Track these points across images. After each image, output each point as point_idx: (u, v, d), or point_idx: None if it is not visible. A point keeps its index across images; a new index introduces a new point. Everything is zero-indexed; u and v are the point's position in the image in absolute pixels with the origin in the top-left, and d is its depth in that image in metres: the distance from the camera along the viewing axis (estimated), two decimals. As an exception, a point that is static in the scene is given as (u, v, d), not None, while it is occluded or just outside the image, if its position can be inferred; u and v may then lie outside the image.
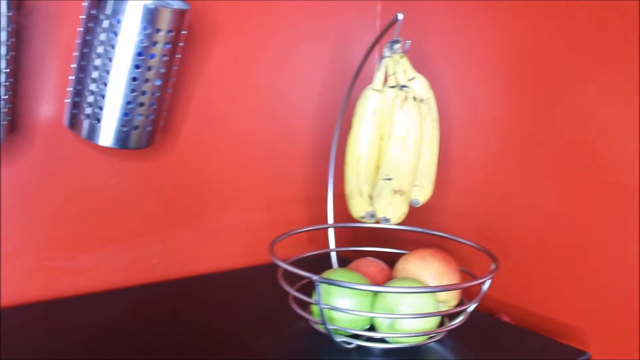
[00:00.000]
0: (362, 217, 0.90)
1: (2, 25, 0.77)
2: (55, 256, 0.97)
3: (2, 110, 0.81)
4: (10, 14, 0.77)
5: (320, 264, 0.84)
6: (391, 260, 0.95)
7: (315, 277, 0.76)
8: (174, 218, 1.07)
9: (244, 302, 1.00)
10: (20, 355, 0.79)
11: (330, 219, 1.02)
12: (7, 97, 0.81)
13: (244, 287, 1.07)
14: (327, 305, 0.78)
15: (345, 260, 1.02)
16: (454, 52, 1.08)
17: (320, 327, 0.84)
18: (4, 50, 0.78)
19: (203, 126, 1.07)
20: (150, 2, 0.84)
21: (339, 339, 0.81)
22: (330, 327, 0.80)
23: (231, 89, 1.10)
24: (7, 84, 0.80)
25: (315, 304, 0.80)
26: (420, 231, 0.98)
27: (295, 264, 0.81)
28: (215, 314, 0.95)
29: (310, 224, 1.07)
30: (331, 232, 1.02)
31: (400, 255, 0.93)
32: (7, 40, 0.78)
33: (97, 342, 0.84)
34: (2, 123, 0.82)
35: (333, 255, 1.03)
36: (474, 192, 1.06)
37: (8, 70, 0.80)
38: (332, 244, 1.02)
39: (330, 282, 0.77)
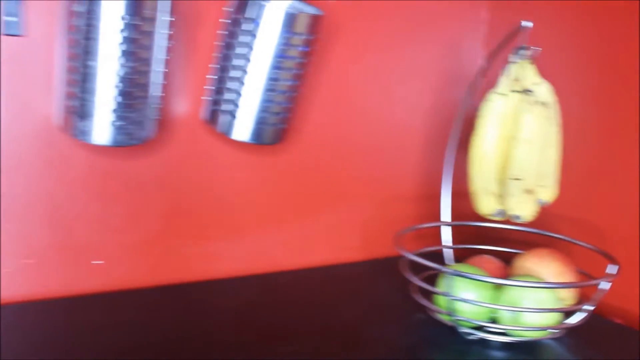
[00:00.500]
0: (491, 215, 0.97)
1: (163, 31, 0.88)
2: (188, 243, 1.08)
3: (157, 107, 0.92)
4: (173, 19, 0.88)
5: (432, 260, 0.92)
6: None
7: (447, 269, 0.83)
8: (293, 211, 1.16)
9: (362, 293, 1.08)
10: (162, 329, 0.90)
11: (447, 217, 1.09)
12: (162, 95, 0.92)
13: (360, 279, 1.16)
14: (455, 296, 0.86)
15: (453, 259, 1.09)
16: (563, 56, 1.13)
17: (444, 318, 0.91)
18: (164, 54, 0.89)
19: (322, 125, 1.15)
20: (290, 7, 0.93)
21: (463, 330, 0.88)
22: (457, 318, 0.87)
23: (348, 90, 1.18)
24: (164, 83, 0.91)
25: (443, 295, 0.87)
26: (537, 232, 1.04)
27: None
28: (335, 304, 1.04)
29: (420, 221, 1.14)
30: (448, 230, 1.09)
31: (512, 254, 1.01)
32: (167, 44, 0.89)
33: (225, 324, 0.94)
34: (155, 119, 0.93)
35: (447, 252, 1.10)
36: (583, 195, 1.10)
37: (167, 70, 0.90)
38: (448, 240, 1.09)
39: (463, 275, 0.84)
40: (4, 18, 0.89)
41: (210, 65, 1.00)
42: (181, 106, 1.02)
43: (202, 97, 1.02)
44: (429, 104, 1.27)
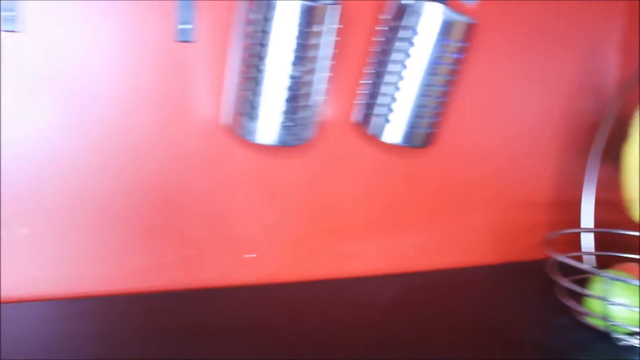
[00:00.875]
0: (649, 223, 1.00)
1: (330, 38, 0.94)
2: (332, 240, 1.15)
3: (319, 109, 0.99)
4: (341, 26, 0.94)
5: (566, 267, 0.95)
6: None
7: (606, 273, 0.87)
8: (429, 213, 1.22)
9: (502, 296, 1.12)
10: (310, 323, 0.97)
11: (588, 223, 1.12)
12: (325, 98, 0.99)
13: (496, 281, 1.20)
14: (612, 301, 0.89)
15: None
16: None
17: (595, 322, 0.94)
18: (329, 59, 0.96)
19: (458, 129, 1.20)
20: (446, 16, 0.98)
21: (615, 335, 0.91)
22: (611, 323, 0.90)
23: (482, 94, 1.22)
24: (327, 87, 0.98)
25: (599, 299, 0.90)
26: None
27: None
28: (477, 305, 1.08)
29: (553, 227, 1.16)
30: (590, 236, 1.12)
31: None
32: (333, 50, 0.96)
33: (372, 321, 0.99)
34: (317, 121, 1.00)
35: (588, 258, 1.12)
36: None
37: (330, 74, 0.97)
38: (589, 247, 1.12)
39: (624, 280, 0.87)
40: (179, 26, 0.98)
41: (363, 70, 1.06)
42: (333, 108, 1.08)
43: (354, 101, 1.08)
44: (561, 110, 1.30)
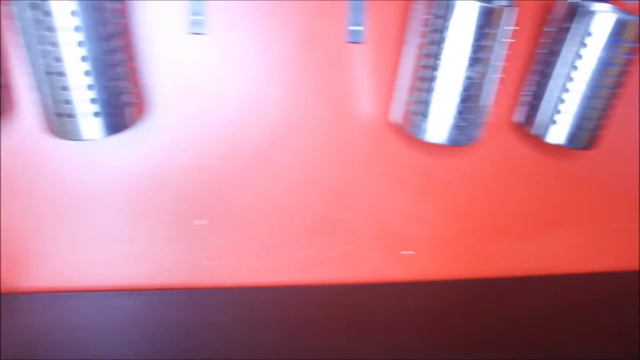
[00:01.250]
0: None
1: (504, 40, 0.96)
2: (488, 241, 1.16)
3: (488, 110, 1.01)
4: (517, 28, 0.96)
5: None
6: None
7: None
8: (587, 216, 1.21)
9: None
10: (475, 319, 1.00)
11: None
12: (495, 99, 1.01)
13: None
14: None
15: None
16: None
17: None
18: (501, 61, 0.98)
19: (619, 131, 1.18)
20: (620, 15, 0.98)
21: None
22: None
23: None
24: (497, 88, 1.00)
25: None
26: None
27: None
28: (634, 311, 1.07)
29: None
30: None
31: None
32: (506, 51, 0.98)
33: (537, 321, 1.01)
34: (485, 121, 1.02)
35: None
36: None
37: (503, 76, 0.99)
38: None
39: None
40: (350, 28, 1.02)
41: (527, 71, 1.07)
42: (496, 108, 1.10)
43: (516, 101, 1.09)
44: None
